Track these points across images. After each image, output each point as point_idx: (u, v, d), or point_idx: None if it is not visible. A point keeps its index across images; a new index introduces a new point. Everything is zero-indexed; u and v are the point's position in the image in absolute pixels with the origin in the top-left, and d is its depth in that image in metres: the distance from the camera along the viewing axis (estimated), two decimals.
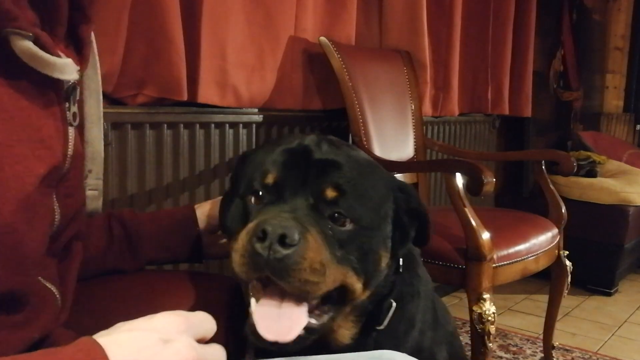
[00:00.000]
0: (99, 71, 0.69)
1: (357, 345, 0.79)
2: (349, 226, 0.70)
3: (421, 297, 0.88)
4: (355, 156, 0.75)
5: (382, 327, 0.79)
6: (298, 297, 0.68)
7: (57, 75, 0.54)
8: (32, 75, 0.53)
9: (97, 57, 0.68)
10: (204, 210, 0.89)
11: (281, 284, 0.64)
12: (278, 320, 0.67)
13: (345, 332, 0.79)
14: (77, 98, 0.61)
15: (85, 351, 0.46)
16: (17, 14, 0.51)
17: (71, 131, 0.59)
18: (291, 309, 0.68)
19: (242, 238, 0.65)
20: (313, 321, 0.70)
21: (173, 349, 0.49)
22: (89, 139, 0.68)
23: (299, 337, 0.67)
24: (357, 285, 0.72)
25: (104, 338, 0.47)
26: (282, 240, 0.62)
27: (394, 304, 0.81)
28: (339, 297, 0.72)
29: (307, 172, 0.70)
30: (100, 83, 0.69)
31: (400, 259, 0.83)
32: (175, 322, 0.52)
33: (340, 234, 0.69)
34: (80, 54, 0.61)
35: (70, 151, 0.59)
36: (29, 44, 0.51)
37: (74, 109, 0.60)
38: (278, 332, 0.66)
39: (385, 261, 0.76)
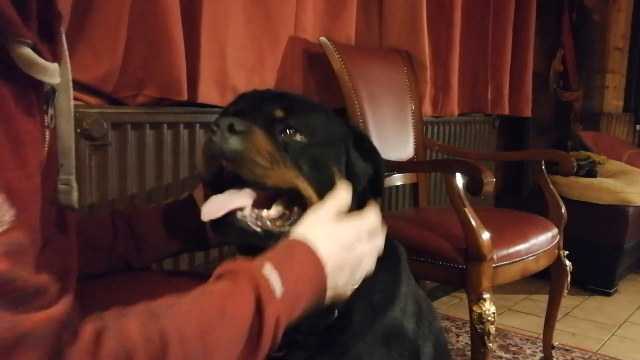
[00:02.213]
0: (68, 65, 0.68)
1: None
2: (299, 138, 0.81)
3: (402, 280, 0.92)
4: (307, 98, 0.89)
5: (355, 286, 0.85)
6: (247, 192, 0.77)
7: (47, 79, 0.55)
8: (19, 80, 0.53)
9: (66, 52, 0.67)
10: (203, 198, 0.91)
11: (234, 167, 0.74)
12: (216, 202, 0.75)
13: None
14: (56, 100, 0.62)
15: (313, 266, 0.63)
16: (19, 22, 0.51)
17: (47, 133, 0.60)
18: (234, 195, 0.76)
19: (202, 138, 0.76)
20: (265, 213, 0.77)
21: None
22: (60, 134, 0.68)
23: (252, 232, 0.75)
24: (310, 192, 0.79)
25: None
26: (231, 128, 0.72)
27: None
28: (299, 207, 0.79)
29: (261, 103, 0.83)
30: (70, 77, 0.69)
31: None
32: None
33: (291, 143, 0.79)
34: (54, 51, 0.61)
35: (44, 152, 0.59)
36: (28, 51, 0.52)
37: (51, 111, 0.61)
38: (213, 210, 0.74)
39: (339, 180, 0.84)
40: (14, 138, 0.49)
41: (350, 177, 0.87)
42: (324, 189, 0.81)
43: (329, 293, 0.67)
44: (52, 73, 0.56)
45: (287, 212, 0.80)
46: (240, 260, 0.61)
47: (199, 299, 0.53)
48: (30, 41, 0.52)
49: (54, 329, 0.40)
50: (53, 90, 0.60)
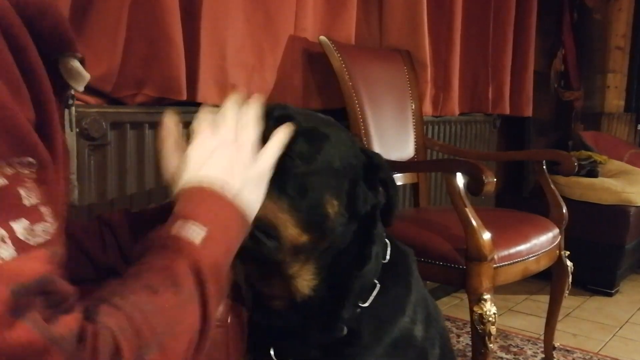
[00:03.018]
0: None
1: (335, 317, 0.83)
2: (299, 166, 0.76)
3: (412, 290, 0.91)
4: (318, 118, 0.84)
5: (365, 305, 0.85)
6: None
7: (80, 88, 0.59)
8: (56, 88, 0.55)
9: None
10: None
11: None
12: None
13: (304, 281, 0.83)
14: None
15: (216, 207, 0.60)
16: (75, 40, 0.55)
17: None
18: None
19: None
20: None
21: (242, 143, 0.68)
22: None
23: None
24: (291, 230, 0.76)
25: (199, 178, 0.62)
26: None
27: (378, 285, 0.86)
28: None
29: (266, 123, 0.76)
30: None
31: (383, 242, 0.90)
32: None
33: (284, 169, 0.75)
34: None
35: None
36: (77, 64, 0.57)
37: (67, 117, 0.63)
38: None
39: (333, 209, 0.79)
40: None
41: (352, 208, 0.83)
42: (311, 220, 0.77)
43: (239, 196, 0.65)
44: (85, 82, 0.60)
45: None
46: (158, 230, 0.58)
47: (144, 279, 0.53)
48: (80, 55, 0.56)
49: (76, 334, 0.42)
50: (72, 96, 0.63)
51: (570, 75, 3.38)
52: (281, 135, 0.74)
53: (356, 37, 1.96)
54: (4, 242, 0.40)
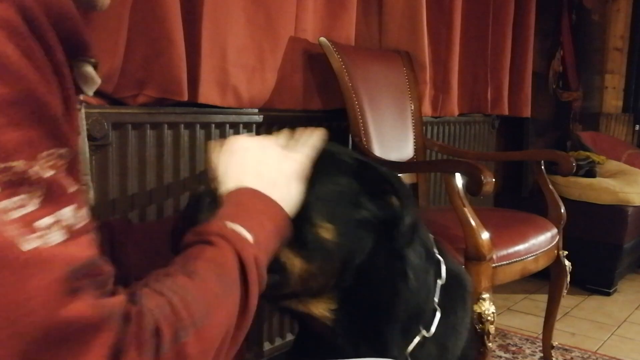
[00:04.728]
0: None
1: (384, 341, 0.79)
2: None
3: (468, 312, 0.90)
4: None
5: (428, 335, 0.80)
6: None
7: (90, 92, 0.60)
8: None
9: None
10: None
11: None
12: None
13: (322, 307, 0.79)
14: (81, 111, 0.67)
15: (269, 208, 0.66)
16: (92, 45, 0.55)
17: None
18: None
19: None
20: None
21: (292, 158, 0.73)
22: None
23: None
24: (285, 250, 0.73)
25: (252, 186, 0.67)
26: None
27: (439, 311, 0.82)
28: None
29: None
30: None
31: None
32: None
33: None
34: None
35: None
36: (91, 69, 0.57)
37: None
38: None
39: (328, 233, 0.75)
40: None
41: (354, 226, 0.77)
42: (310, 249, 0.74)
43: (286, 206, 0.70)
44: (96, 87, 0.60)
45: None
46: (204, 225, 0.61)
47: (189, 266, 0.56)
48: (94, 60, 0.57)
49: (122, 313, 0.45)
50: (80, 101, 0.64)
51: (568, 76, 3.39)
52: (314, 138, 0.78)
53: (356, 38, 1.97)
54: (55, 228, 0.42)
